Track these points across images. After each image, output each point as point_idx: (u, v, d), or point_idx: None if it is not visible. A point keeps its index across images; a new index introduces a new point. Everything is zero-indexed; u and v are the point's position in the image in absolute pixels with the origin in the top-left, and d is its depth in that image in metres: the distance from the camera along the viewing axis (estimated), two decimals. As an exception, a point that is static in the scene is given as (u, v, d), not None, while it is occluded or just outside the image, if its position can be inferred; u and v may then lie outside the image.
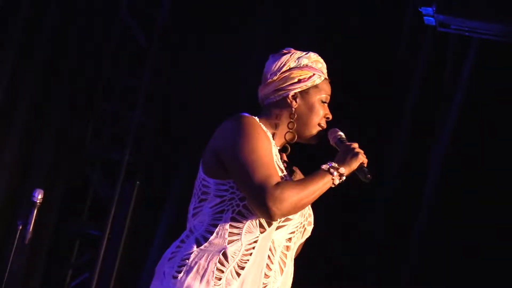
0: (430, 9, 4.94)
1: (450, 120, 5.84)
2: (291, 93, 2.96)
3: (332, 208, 5.12)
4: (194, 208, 2.87)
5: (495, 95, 5.73)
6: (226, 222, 2.80)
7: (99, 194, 6.26)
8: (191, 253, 2.79)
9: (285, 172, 2.87)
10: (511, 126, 5.70)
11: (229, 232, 2.80)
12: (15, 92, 5.75)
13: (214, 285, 2.76)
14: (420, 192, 5.88)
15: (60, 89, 5.94)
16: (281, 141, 2.97)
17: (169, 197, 6.16)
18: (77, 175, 6.19)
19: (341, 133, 3.00)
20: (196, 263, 2.77)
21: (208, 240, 2.80)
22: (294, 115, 2.95)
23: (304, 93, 2.96)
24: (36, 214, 4.27)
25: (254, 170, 2.75)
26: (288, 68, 2.97)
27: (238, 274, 2.78)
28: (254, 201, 2.76)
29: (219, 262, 2.78)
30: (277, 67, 2.98)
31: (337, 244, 5.78)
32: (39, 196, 4.27)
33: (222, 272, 2.77)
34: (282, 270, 2.87)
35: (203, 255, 2.78)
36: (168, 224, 6.06)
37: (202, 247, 2.79)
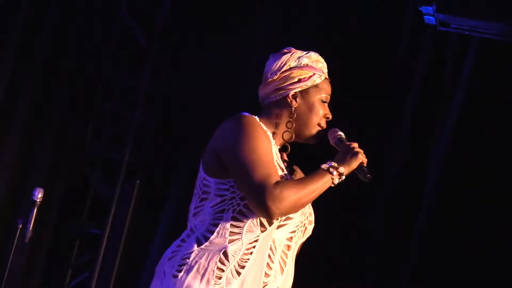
0: (430, 8, 4.94)
1: (450, 120, 5.84)
2: (291, 92, 2.96)
3: (332, 208, 5.12)
4: (195, 208, 2.87)
5: (495, 95, 5.73)
6: (227, 221, 2.80)
7: (99, 194, 6.27)
8: (192, 252, 2.79)
9: (285, 171, 2.87)
10: (511, 126, 5.70)
11: (230, 232, 2.80)
12: (15, 92, 5.75)
13: (215, 284, 2.76)
14: (420, 192, 5.88)
15: (60, 89, 5.94)
16: (281, 140, 2.97)
17: (169, 197, 6.16)
18: (77, 174, 6.19)
19: (341, 133, 3.00)
20: (196, 262, 2.77)
21: (208, 239, 2.80)
22: (294, 115, 2.95)
23: (304, 92, 2.96)
24: (36, 213, 4.26)
25: (253, 169, 2.75)
26: (288, 67, 2.97)
27: (239, 273, 2.78)
28: (253, 200, 2.76)
29: (219, 261, 2.78)
30: (277, 66, 2.98)
31: (337, 244, 5.78)
32: (39, 195, 4.26)
33: (223, 271, 2.77)
34: (282, 270, 2.87)
35: (204, 254, 2.78)
36: (168, 224, 6.06)
37: (202, 246, 2.79)
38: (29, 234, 4.26)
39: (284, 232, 2.86)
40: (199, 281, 2.76)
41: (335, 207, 5.37)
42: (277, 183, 2.74)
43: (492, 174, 5.68)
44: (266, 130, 2.89)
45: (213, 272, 2.76)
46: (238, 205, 2.81)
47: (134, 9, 6.26)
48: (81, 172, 6.23)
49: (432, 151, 5.91)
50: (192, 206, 2.89)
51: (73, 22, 5.96)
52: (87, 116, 6.18)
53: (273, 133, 2.94)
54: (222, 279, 2.77)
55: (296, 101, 2.95)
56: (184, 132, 6.12)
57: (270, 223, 2.82)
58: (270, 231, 2.83)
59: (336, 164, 2.84)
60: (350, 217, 5.84)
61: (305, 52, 3.00)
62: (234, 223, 2.80)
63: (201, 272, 2.76)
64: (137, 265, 6.12)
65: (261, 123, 2.89)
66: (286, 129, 2.95)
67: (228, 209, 2.81)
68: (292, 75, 2.96)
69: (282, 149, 2.98)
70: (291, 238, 2.88)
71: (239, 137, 2.80)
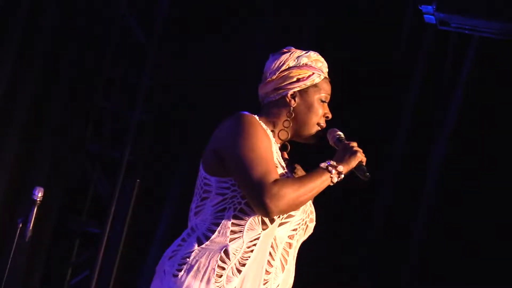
0: (430, 7, 4.94)
1: (450, 120, 5.84)
2: (290, 92, 2.96)
3: (332, 207, 5.13)
4: (196, 207, 2.88)
5: (495, 95, 5.73)
6: (228, 220, 2.81)
7: (99, 193, 6.27)
8: (192, 251, 2.79)
9: (286, 170, 2.88)
10: (511, 126, 5.70)
11: (231, 230, 2.80)
12: (15, 92, 5.75)
13: (215, 282, 2.76)
14: (420, 192, 5.87)
15: (59, 89, 5.94)
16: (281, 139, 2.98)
17: (169, 195, 6.16)
18: (77, 173, 6.19)
19: (340, 132, 3.01)
20: (197, 261, 2.78)
21: (209, 238, 2.80)
22: (292, 114, 2.95)
23: (303, 92, 2.97)
24: (36, 212, 4.27)
25: (252, 168, 2.75)
26: (287, 67, 2.98)
27: (239, 271, 2.79)
28: (251, 198, 2.77)
29: (220, 259, 2.78)
30: (276, 66, 2.98)
31: (336, 244, 5.78)
32: (39, 194, 4.26)
33: (224, 269, 2.78)
34: (283, 267, 2.87)
35: (204, 254, 2.79)
36: (168, 223, 6.06)
37: (203, 245, 2.80)
38: (29, 233, 4.26)
39: (286, 230, 2.86)
40: (199, 280, 2.76)
41: (335, 207, 5.38)
42: (275, 181, 2.75)
43: (492, 174, 5.68)
44: (266, 128, 2.90)
45: (214, 271, 2.77)
46: (239, 203, 2.81)
47: (134, 8, 6.27)
48: (81, 170, 6.23)
49: (432, 151, 5.91)
50: (193, 205, 2.90)
51: (73, 22, 5.96)
52: (87, 115, 6.18)
53: (273, 132, 2.94)
54: (222, 277, 2.77)
55: (294, 101, 2.96)
56: (184, 131, 6.13)
57: (272, 221, 2.82)
58: (272, 229, 2.83)
59: (335, 163, 2.85)
60: (350, 217, 5.84)
61: (304, 52, 3.01)
62: (235, 221, 2.81)
63: (202, 272, 2.77)
64: (137, 264, 6.13)
65: (261, 122, 2.90)
66: (283, 128, 2.96)
67: (229, 208, 2.82)
68: (290, 75, 2.97)
69: (282, 148, 2.98)
70: (293, 236, 2.89)
71: (239, 136, 2.80)
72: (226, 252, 2.79)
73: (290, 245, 2.88)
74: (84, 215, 6.31)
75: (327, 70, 3.03)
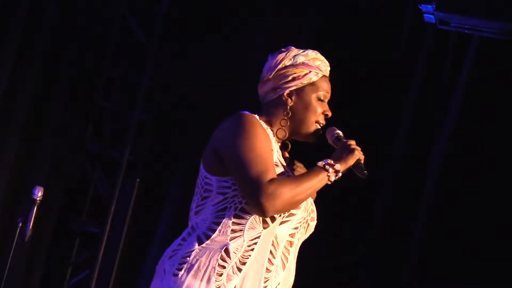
0: (430, 6, 4.94)
1: (450, 120, 5.84)
2: (286, 91, 2.96)
3: (332, 207, 5.12)
4: (196, 206, 2.88)
5: (495, 94, 5.73)
6: (228, 219, 2.81)
7: (99, 192, 6.27)
8: (193, 251, 2.79)
9: (286, 168, 2.87)
10: (511, 125, 5.70)
11: (232, 229, 2.80)
12: (15, 92, 5.75)
13: (215, 281, 2.76)
14: (420, 192, 5.87)
15: (59, 89, 5.94)
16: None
17: (169, 195, 6.17)
18: (77, 173, 6.19)
19: (338, 131, 3.00)
20: (197, 260, 2.78)
21: (210, 237, 2.80)
22: (289, 113, 2.95)
23: (299, 90, 2.96)
24: (36, 211, 4.26)
25: (250, 167, 2.75)
26: (283, 66, 2.98)
27: (240, 270, 2.79)
28: (248, 197, 2.77)
29: (221, 258, 2.78)
30: (273, 65, 2.99)
31: (336, 244, 5.78)
32: (39, 193, 4.26)
33: (224, 268, 2.78)
34: (284, 266, 2.87)
35: (205, 253, 2.78)
36: (168, 223, 6.06)
37: (203, 244, 2.80)
38: (29, 233, 4.25)
39: (287, 228, 2.86)
40: (200, 279, 2.76)
41: (335, 207, 5.37)
42: (271, 180, 2.74)
43: (492, 174, 5.68)
44: (266, 128, 2.90)
45: (214, 270, 2.77)
46: (240, 202, 2.81)
47: (134, 8, 6.27)
48: (81, 170, 6.23)
49: (432, 151, 5.91)
50: (193, 205, 2.89)
51: (73, 22, 5.96)
52: (87, 115, 6.19)
53: (273, 131, 2.94)
54: (222, 275, 2.77)
55: (291, 99, 2.96)
56: (184, 131, 6.13)
57: (273, 220, 2.82)
58: (273, 228, 2.83)
59: (332, 162, 2.85)
60: (350, 216, 5.84)
61: (302, 51, 3.00)
62: (236, 220, 2.81)
63: (202, 271, 2.76)
64: (137, 264, 6.13)
65: (261, 121, 2.90)
66: (280, 126, 2.96)
67: (230, 207, 2.82)
68: (287, 74, 2.97)
69: (283, 147, 2.98)
70: (294, 234, 2.89)
71: (238, 135, 2.81)
72: (227, 251, 2.79)
73: (291, 243, 2.88)
74: (84, 215, 6.31)
75: (327, 68, 3.02)
